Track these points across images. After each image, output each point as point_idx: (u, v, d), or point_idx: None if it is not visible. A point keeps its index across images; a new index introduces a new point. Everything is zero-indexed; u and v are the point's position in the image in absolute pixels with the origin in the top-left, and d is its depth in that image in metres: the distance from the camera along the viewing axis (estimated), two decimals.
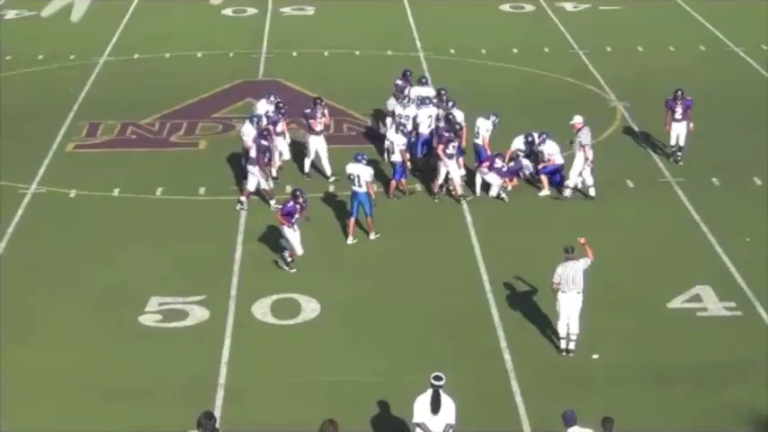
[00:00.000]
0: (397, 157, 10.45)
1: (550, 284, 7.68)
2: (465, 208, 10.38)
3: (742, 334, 8.31)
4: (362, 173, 9.57)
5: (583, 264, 7.78)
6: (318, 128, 10.73)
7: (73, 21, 16.96)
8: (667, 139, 11.26)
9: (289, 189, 10.65)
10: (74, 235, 9.95)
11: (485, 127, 10.89)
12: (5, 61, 14.81)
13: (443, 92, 11.44)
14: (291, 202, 8.88)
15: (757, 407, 7.33)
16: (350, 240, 9.69)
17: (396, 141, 10.46)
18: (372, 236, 9.74)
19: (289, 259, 8.96)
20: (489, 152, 10.69)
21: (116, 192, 10.87)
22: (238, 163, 11.43)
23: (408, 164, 10.55)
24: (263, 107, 11.09)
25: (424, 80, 11.62)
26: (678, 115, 11.04)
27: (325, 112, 10.96)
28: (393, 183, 10.48)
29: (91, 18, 16.76)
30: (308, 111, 10.89)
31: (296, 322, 8.49)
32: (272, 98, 11.19)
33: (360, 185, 9.58)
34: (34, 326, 8.43)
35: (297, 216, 8.86)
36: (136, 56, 15.11)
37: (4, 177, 11.13)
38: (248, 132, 10.55)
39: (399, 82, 11.69)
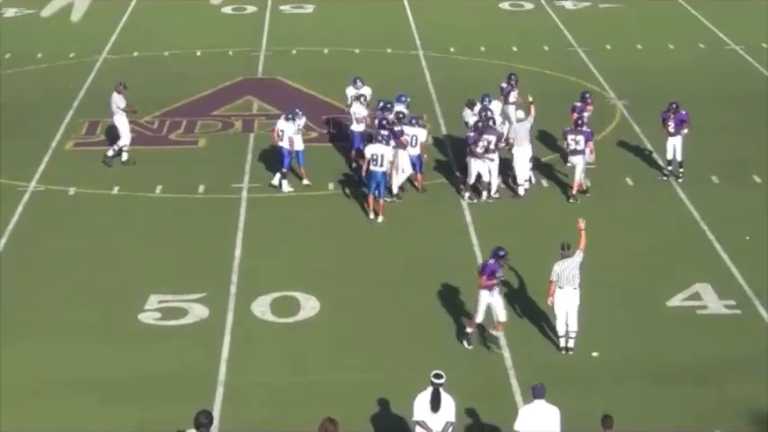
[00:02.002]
0: (416, 150, 10.50)
1: (547, 285, 7.59)
2: (465, 207, 10.40)
3: (742, 332, 8.32)
4: (386, 153, 9.87)
5: (578, 258, 7.70)
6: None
7: (73, 21, 16.99)
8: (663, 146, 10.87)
9: (290, 187, 10.66)
10: (73, 233, 9.95)
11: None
12: (5, 59, 14.79)
13: (513, 76, 11.53)
14: (493, 261, 7.71)
15: (757, 404, 7.34)
16: (372, 216, 9.87)
17: (418, 135, 10.50)
18: (380, 219, 9.90)
19: (469, 330, 7.69)
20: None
21: (115, 190, 10.87)
22: (238, 161, 11.44)
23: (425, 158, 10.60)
24: (282, 125, 10.87)
25: (403, 98, 11.27)
26: (671, 129, 10.71)
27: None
28: (419, 176, 10.55)
29: (91, 17, 16.77)
30: (398, 128, 10.78)
31: (295, 320, 8.49)
32: (290, 115, 10.82)
33: (381, 165, 9.79)
34: (34, 323, 8.42)
35: (500, 275, 7.66)
36: (135, 54, 15.10)
37: (3, 175, 11.12)
38: (287, 129, 10.60)
39: (504, 85, 11.58)
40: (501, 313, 7.94)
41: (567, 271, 7.68)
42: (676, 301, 8.71)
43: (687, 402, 7.42)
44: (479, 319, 7.96)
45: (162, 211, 10.40)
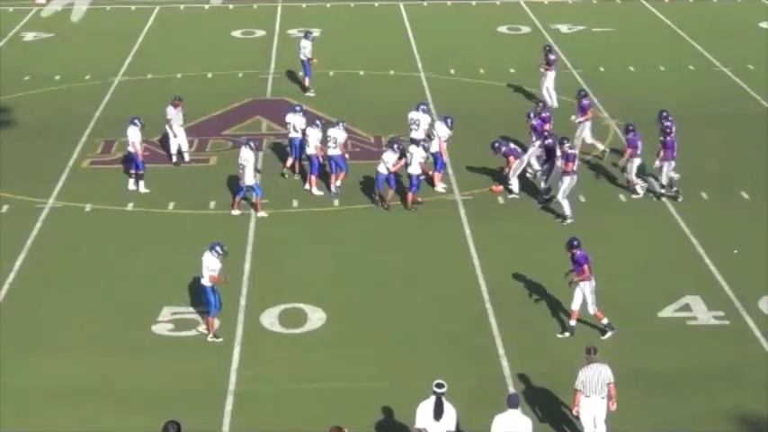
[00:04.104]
0: (415, 170, 10.99)
1: (573, 394, 6.95)
2: (464, 220, 10.74)
3: (730, 342, 8.62)
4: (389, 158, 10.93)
5: (609, 374, 6.89)
6: None
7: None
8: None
9: (296, 203, 11.28)
10: (89, 247, 10.33)
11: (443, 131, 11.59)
12: (24, 81, 15.28)
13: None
14: (579, 251, 8.17)
15: (745, 411, 7.62)
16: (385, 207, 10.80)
17: (415, 154, 11.02)
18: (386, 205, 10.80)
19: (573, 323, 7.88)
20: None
21: (130, 206, 11.24)
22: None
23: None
24: (291, 118, 11.73)
25: (423, 107, 12.21)
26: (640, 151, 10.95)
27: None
28: (410, 195, 11.02)
29: (106, 40, 17.26)
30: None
31: (302, 331, 8.80)
32: (297, 107, 11.97)
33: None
34: (51, 334, 8.76)
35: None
36: (149, 76, 15.57)
37: (22, 192, 11.51)
38: (314, 137, 11.34)
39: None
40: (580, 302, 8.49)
41: (595, 379, 6.87)
42: (668, 312, 9.00)
43: (679, 409, 7.68)
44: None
45: (174, 226, 10.74)
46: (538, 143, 11.25)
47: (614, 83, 15.00)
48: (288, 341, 8.68)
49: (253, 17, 18.82)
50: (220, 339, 8.58)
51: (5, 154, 12.61)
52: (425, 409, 6.54)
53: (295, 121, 11.81)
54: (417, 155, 10.95)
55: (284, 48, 16.52)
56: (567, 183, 10.47)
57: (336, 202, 11.34)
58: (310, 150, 11.41)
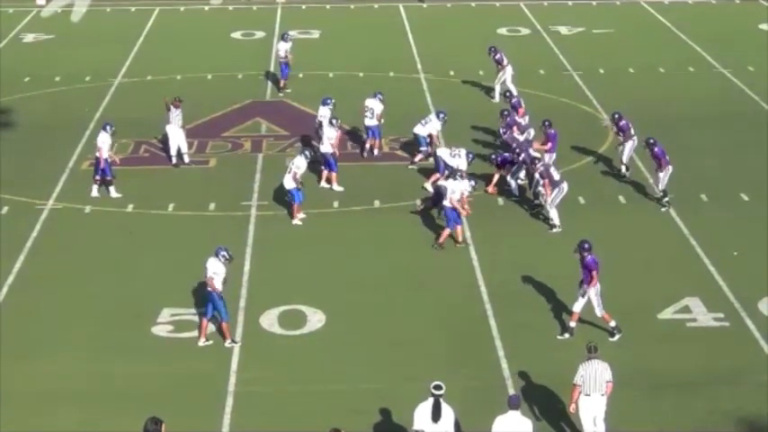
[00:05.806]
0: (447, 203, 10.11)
1: (571, 389, 6.90)
2: (464, 222, 10.70)
3: (730, 343, 8.63)
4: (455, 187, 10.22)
5: (609, 373, 6.82)
6: None
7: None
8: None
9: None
10: (89, 249, 10.34)
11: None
12: (25, 83, 15.31)
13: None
14: (591, 256, 8.05)
15: (745, 413, 7.64)
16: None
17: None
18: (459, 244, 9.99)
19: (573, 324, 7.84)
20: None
21: (130, 207, 11.27)
22: (248, 180, 11.84)
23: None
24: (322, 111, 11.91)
25: (442, 114, 12.38)
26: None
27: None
28: (459, 228, 10.11)
29: (106, 41, 17.31)
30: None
31: (302, 333, 8.82)
32: (328, 99, 12.05)
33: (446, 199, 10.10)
34: (51, 335, 8.77)
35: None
36: (149, 78, 15.61)
37: (22, 194, 11.54)
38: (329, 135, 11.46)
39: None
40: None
41: (595, 376, 6.79)
42: (667, 313, 9.01)
43: (679, 410, 7.70)
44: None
45: (174, 227, 10.75)
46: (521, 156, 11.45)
47: (614, 84, 15.03)
48: (287, 343, 8.69)
49: (252, 18, 18.84)
50: (238, 343, 8.52)
51: (5, 155, 12.65)
52: (424, 410, 6.56)
53: (324, 113, 11.94)
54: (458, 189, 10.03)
55: None
56: (555, 193, 10.46)
57: (336, 204, 11.34)
58: (324, 148, 11.35)
